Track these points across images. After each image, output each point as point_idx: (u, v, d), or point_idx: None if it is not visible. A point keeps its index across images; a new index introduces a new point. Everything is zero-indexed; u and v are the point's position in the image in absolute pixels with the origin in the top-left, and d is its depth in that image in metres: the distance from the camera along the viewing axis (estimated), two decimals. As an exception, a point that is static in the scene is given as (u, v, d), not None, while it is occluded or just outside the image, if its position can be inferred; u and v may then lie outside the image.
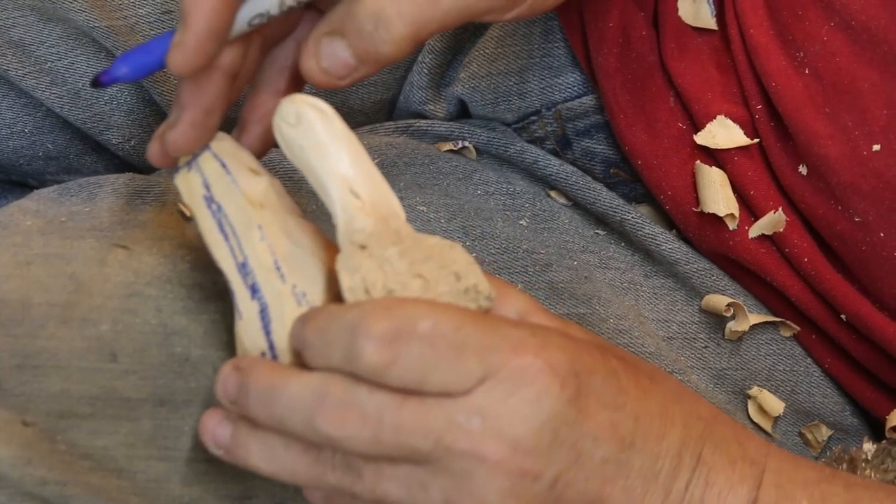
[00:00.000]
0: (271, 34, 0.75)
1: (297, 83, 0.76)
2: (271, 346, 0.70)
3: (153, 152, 0.74)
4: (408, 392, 0.65)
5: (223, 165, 0.73)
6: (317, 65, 0.72)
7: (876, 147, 0.81)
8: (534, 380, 0.65)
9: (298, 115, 0.71)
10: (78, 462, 0.72)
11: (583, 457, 0.66)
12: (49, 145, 0.96)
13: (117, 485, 0.73)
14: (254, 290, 0.71)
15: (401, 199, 0.77)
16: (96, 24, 0.90)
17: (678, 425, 0.68)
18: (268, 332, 0.70)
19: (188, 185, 0.74)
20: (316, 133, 0.70)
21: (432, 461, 0.65)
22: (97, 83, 0.71)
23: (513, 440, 0.64)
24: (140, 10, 0.91)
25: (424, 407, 0.65)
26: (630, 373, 0.68)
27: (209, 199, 0.73)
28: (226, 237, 0.72)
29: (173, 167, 0.75)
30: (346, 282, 0.68)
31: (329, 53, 0.71)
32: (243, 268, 0.71)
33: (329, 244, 0.73)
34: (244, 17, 0.71)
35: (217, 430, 0.69)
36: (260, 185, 0.73)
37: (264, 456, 0.68)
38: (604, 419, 0.66)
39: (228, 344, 0.74)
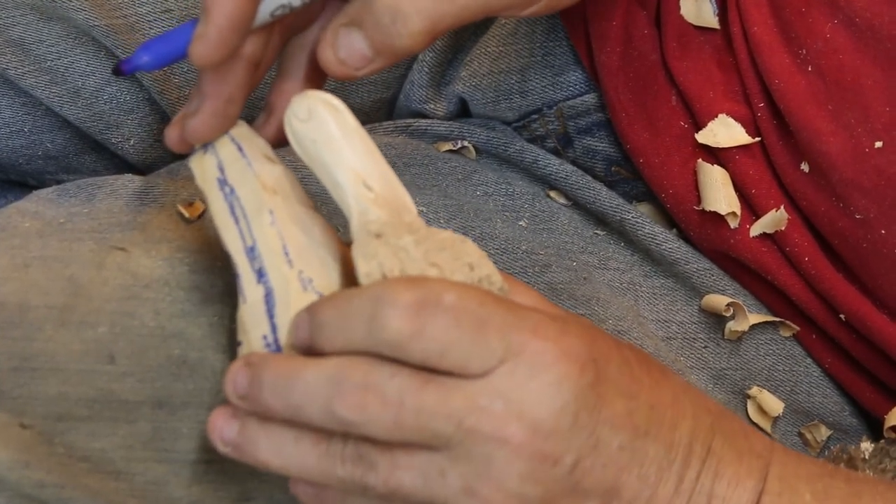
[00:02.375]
0: (295, 21, 0.75)
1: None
2: (273, 329, 0.70)
3: (172, 137, 0.74)
4: (427, 368, 0.65)
5: (239, 149, 0.74)
6: (334, 55, 0.72)
7: (878, 144, 0.81)
8: (554, 363, 0.65)
9: (310, 111, 0.71)
10: (76, 464, 0.72)
11: (601, 443, 0.66)
12: (48, 144, 0.96)
13: (115, 487, 0.73)
14: (260, 275, 0.71)
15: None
16: (96, 23, 0.90)
17: (689, 417, 0.69)
18: (271, 316, 0.70)
19: (202, 167, 0.74)
20: (328, 128, 0.71)
21: (452, 446, 0.65)
22: (118, 71, 0.71)
23: (534, 422, 0.65)
24: (140, 9, 0.91)
25: (446, 389, 0.65)
26: (643, 363, 0.69)
27: (222, 182, 0.73)
28: (236, 220, 0.72)
29: (189, 152, 0.75)
30: (363, 268, 0.68)
31: (346, 44, 0.72)
32: (251, 251, 0.72)
33: (338, 238, 0.73)
34: (267, 8, 0.71)
35: (225, 428, 0.69)
36: (275, 171, 0.73)
37: (273, 450, 0.68)
38: (620, 406, 0.66)
39: (226, 347, 0.74)
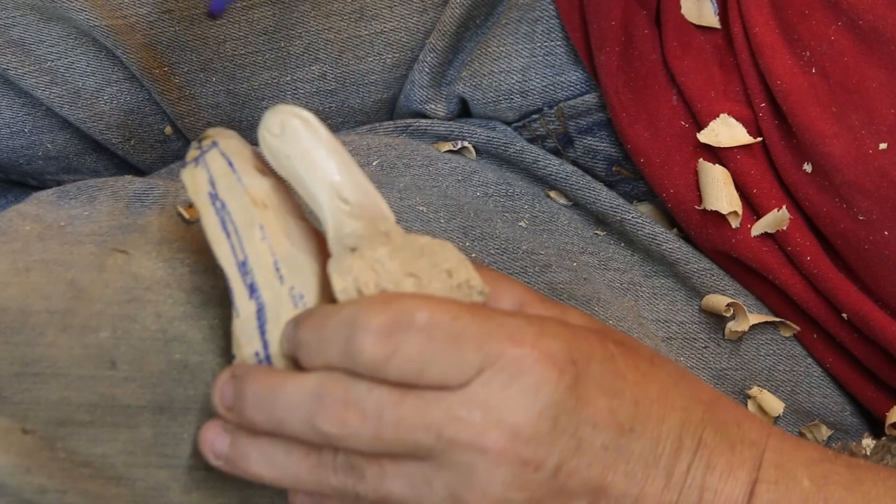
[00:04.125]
0: None
1: None
2: (265, 346, 0.71)
3: None
4: (406, 386, 0.65)
5: (229, 164, 0.73)
6: None
7: (883, 146, 0.81)
8: (531, 369, 0.65)
9: (282, 125, 0.71)
10: (77, 470, 0.72)
11: (583, 444, 0.66)
12: (48, 145, 0.96)
13: (116, 492, 0.73)
14: (252, 290, 0.71)
15: (400, 199, 0.77)
16: (96, 23, 0.90)
17: (678, 409, 0.69)
18: (262, 332, 0.71)
19: (194, 180, 0.74)
20: (301, 141, 0.71)
21: (435, 456, 0.65)
22: (212, 14, 0.71)
23: (512, 429, 0.65)
24: (140, 9, 0.91)
25: (424, 401, 0.65)
26: (629, 357, 0.69)
27: (213, 196, 0.73)
28: (228, 235, 0.72)
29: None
30: (339, 283, 0.68)
31: None
32: (243, 266, 0.72)
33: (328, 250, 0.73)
34: None
35: (216, 441, 0.70)
36: (264, 185, 0.73)
37: (265, 463, 0.68)
38: (602, 405, 0.66)
39: (227, 350, 0.74)
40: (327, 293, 0.71)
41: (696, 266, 0.90)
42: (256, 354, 0.71)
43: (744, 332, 0.89)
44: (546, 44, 0.93)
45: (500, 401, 0.65)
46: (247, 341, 0.71)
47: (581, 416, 0.66)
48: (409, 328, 0.65)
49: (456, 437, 0.65)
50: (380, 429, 0.65)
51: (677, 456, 0.68)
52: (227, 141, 0.74)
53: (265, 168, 0.74)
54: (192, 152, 0.74)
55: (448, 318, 0.65)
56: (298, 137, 0.71)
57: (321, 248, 0.73)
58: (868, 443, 0.85)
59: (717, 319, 0.90)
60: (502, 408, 0.65)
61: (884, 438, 0.85)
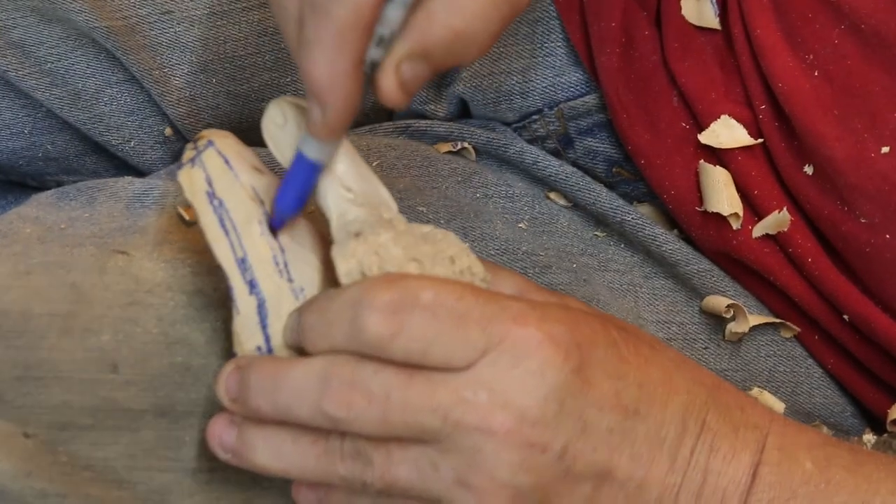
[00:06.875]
0: None
1: None
2: (267, 340, 0.71)
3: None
4: (411, 366, 0.65)
5: (226, 161, 0.74)
6: (398, 90, 0.68)
7: (885, 149, 0.81)
8: (536, 351, 0.65)
9: (286, 116, 0.72)
10: (79, 474, 0.72)
11: (589, 427, 0.66)
12: (49, 146, 0.96)
13: (118, 496, 0.73)
14: (252, 286, 0.71)
15: (400, 200, 0.77)
16: (96, 25, 0.90)
17: (681, 392, 0.69)
18: (264, 326, 0.71)
19: (191, 180, 0.74)
20: (304, 131, 0.71)
21: (441, 438, 0.65)
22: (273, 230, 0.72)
23: (519, 411, 0.65)
24: (140, 11, 0.91)
25: (430, 383, 0.65)
26: (630, 342, 0.69)
27: (211, 195, 0.73)
28: (226, 232, 0.73)
29: None
30: (342, 266, 0.69)
31: (411, 76, 0.68)
32: (242, 263, 0.72)
33: (327, 244, 0.73)
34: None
35: (223, 435, 0.70)
36: (262, 181, 0.74)
37: (272, 453, 0.68)
38: (607, 389, 0.67)
39: (229, 352, 0.74)
40: (328, 286, 0.72)
41: (696, 267, 0.90)
42: (259, 349, 0.71)
43: (744, 334, 0.89)
44: (546, 45, 0.93)
45: (505, 383, 0.65)
46: (248, 337, 0.71)
47: (587, 399, 0.66)
48: (414, 307, 0.65)
49: (462, 420, 0.65)
50: (386, 411, 0.65)
51: (681, 439, 0.68)
52: (223, 140, 0.74)
53: (262, 166, 0.75)
54: (188, 153, 0.75)
55: (453, 298, 0.65)
56: (301, 128, 0.71)
57: (320, 243, 0.74)
58: (869, 438, 0.85)
59: (717, 321, 0.90)
60: (508, 390, 0.65)
61: (885, 435, 0.85)
